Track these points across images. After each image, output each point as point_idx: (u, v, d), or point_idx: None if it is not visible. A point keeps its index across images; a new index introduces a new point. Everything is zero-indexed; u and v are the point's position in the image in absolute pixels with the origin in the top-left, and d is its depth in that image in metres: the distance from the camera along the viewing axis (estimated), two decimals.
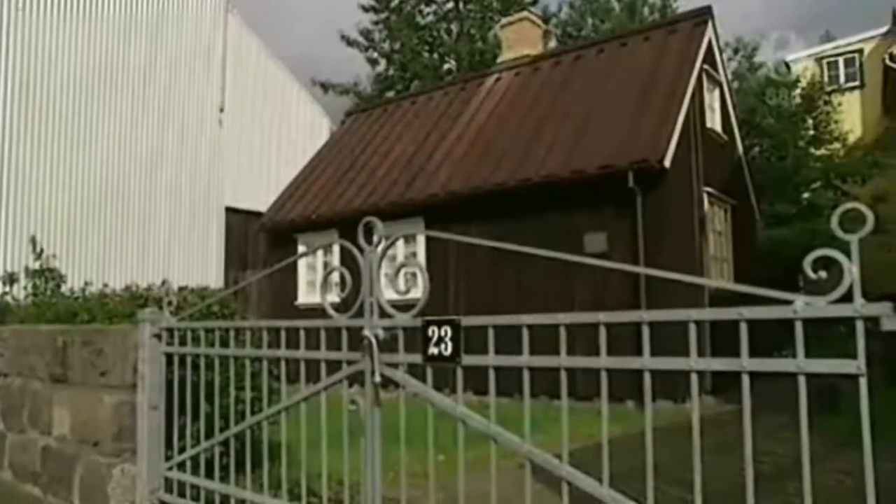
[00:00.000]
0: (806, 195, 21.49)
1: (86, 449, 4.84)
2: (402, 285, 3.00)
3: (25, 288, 10.73)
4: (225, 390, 4.11)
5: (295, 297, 15.43)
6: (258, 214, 17.79)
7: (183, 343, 4.21)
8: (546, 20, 27.97)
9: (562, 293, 11.28)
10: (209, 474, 4.09)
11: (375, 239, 3.07)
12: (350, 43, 30.58)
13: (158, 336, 4.38)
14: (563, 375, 2.53)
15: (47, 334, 5.37)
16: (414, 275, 3.02)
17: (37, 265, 11.11)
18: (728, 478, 3.72)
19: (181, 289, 5.11)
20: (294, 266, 15.72)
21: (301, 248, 15.54)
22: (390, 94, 28.32)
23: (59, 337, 5.15)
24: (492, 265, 12.21)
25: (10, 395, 5.93)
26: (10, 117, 14.87)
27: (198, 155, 18.36)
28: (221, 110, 19.12)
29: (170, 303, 4.35)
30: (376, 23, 30.74)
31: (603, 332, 2.44)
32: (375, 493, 3.07)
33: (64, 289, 9.76)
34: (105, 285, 6.22)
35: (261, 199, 18.22)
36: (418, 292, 3.04)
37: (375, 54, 30.81)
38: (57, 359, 5.16)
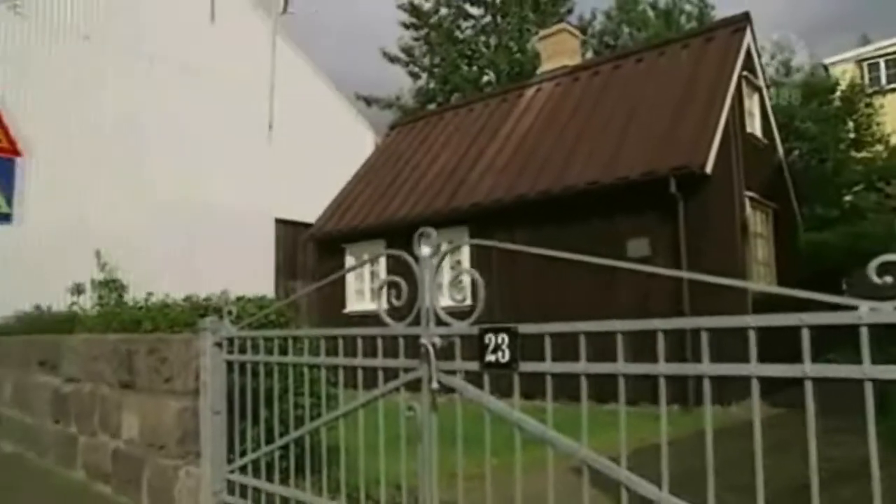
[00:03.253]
0: (848, 198, 20.93)
1: (153, 452, 4.92)
2: (456, 294, 3.00)
3: (91, 298, 10.99)
4: (284, 396, 4.14)
5: (343, 305, 15.51)
6: (307, 225, 17.99)
7: (243, 351, 4.26)
8: (583, 31, 27.80)
9: (604, 299, 11.13)
10: (269, 477, 4.13)
11: (431, 248, 3.07)
12: (392, 59, 30.80)
13: (220, 344, 4.44)
14: (622, 382, 2.50)
15: (115, 343, 5.49)
16: (461, 282, 3.03)
17: (101, 277, 11.35)
18: (781, 481, 3.64)
19: (239, 298, 5.17)
20: (342, 275, 15.83)
21: (349, 258, 15.67)
22: (431, 106, 28.42)
23: (126, 345, 5.26)
24: (535, 272, 12.14)
25: (81, 400, 6.08)
26: (75, 141, 15.27)
27: (249, 169, 18.62)
28: (270, 127, 19.38)
29: (229, 312, 4.40)
30: (416, 39, 30.91)
31: (661, 339, 2.40)
32: (433, 496, 3.07)
33: (126, 298, 9.96)
34: (167, 295, 6.32)
35: (309, 211, 18.40)
36: (469, 299, 3.04)
37: (417, 69, 30.97)
38: (124, 366, 5.27)
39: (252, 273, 18.16)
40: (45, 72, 14.97)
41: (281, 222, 19.36)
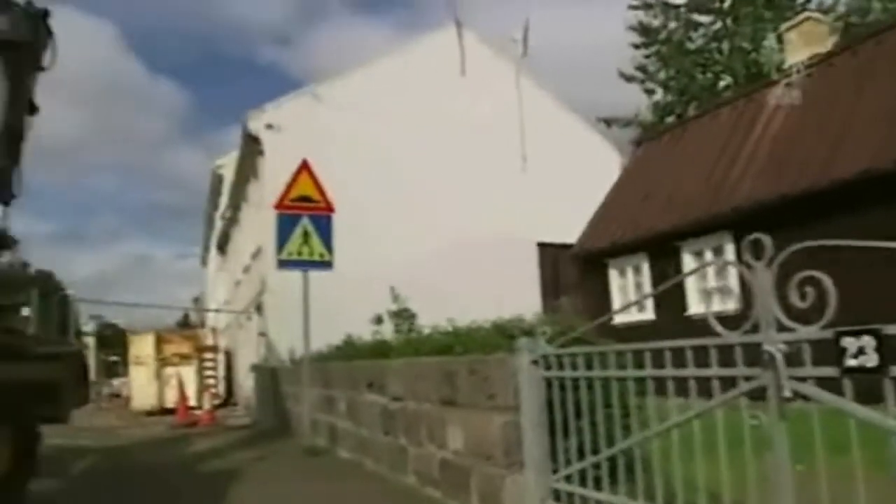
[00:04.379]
0: None
1: (479, 461, 5.09)
2: (796, 299, 2.72)
3: (390, 327, 11.81)
4: (602, 409, 4.06)
5: (610, 318, 15.13)
6: (566, 246, 18.05)
7: (560, 367, 4.27)
8: (824, 13, 24.97)
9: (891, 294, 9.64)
10: (595, 486, 4.04)
11: (765, 253, 2.83)
12: (628, 79, 30.08)
13: (536, 362, 4.49)
14: None
15: (435, 364, 5.81)
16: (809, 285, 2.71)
17: (395, 308, 12.14)
18: None
19: (541, 321, 5.21)
20: (606, 289, 15.61)
21: (613, 272, 15.38)
22: (670, 119, 27.26)
23: (446, 367, 5.53)
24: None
25: (407, 416, 6.52)
26: (372, 189, 16.77)
27: (507, 200, 19.07)
28: (524, 159, 19.80)
29: (543, 332, 4.45)
30: (648, 56, 29.90)
31: None
32: None
33: (418, 326, 10.55)
34: (473, 321, 6.56)
35: (567, 232, 18.42)
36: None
37: (653, 85, 29.93)
38: (446, 385, 5.54)
39: (518, 295, 18.40)
40: (339, 141, 16.69)
41: (542, 245, 19.61)
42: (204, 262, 43.04)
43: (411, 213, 17.80)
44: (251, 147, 17.63)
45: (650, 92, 30.05)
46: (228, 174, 25.00)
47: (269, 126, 16.88)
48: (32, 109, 9.29)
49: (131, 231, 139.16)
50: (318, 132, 16.31)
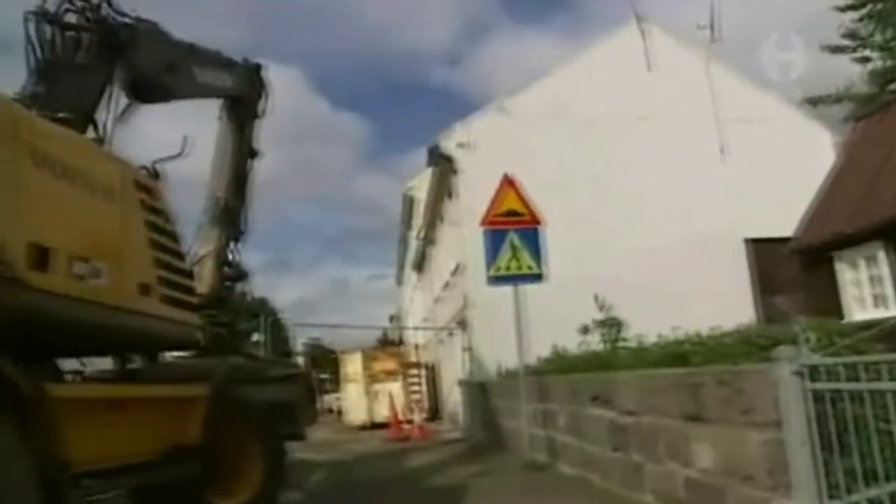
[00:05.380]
0: None
1: (735, 482, 4.75)
2: None
3: (596, 337, 11.54)
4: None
5: (841, 316, 13.68)
6: (779, 240, 16.61)
7: (834, 378, 3.85)
8: None
9: None
10: None
11: None
12: (834, 50, 27.18)
13: (800, 373, 4.10)
14: None
15: (675, 377, 5.54)
16: None
17: (601, 317, 11.85)
18: None
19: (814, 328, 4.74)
20: (832, 284, 14.16)
21: (840, 266, 13.94)
22: (893, 87, 24.28)
23: (690, 379, 5.24)
24: None
25: (641, 431, 6.28)
26: (568, 196, 16.60)
27: (709, 195, 18.01)
28: (722, 150, 18.65)
29: (807, 340, 4.06)
30: (860, 19, 26.79)
31: None
32: None
33: (627, 335, 10.17)
34: (718, 331, 6.19)
35: (779, 224, 16.95)
36: None
37: (867, 51, 26.73)
38: (689, 398, 5.25)
39: (727, 296, 17.27)
40: (530, 152, 16.76)
41: (750, 241, 18.24)
42: (399, 280, 45.13)
43: (610, 217, 17.44)
44: (445, 166, 18.19)
45: (865, 60, 26.82)
46: (419, 195, 26.03)
47: (461, 144, 17.36)
48: (254, 154, 10.33)
49: (329, 256, 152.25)
50: (509, 145, 16.49)
